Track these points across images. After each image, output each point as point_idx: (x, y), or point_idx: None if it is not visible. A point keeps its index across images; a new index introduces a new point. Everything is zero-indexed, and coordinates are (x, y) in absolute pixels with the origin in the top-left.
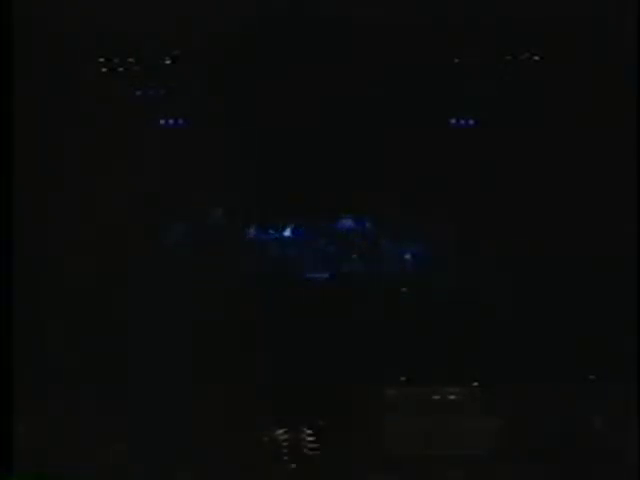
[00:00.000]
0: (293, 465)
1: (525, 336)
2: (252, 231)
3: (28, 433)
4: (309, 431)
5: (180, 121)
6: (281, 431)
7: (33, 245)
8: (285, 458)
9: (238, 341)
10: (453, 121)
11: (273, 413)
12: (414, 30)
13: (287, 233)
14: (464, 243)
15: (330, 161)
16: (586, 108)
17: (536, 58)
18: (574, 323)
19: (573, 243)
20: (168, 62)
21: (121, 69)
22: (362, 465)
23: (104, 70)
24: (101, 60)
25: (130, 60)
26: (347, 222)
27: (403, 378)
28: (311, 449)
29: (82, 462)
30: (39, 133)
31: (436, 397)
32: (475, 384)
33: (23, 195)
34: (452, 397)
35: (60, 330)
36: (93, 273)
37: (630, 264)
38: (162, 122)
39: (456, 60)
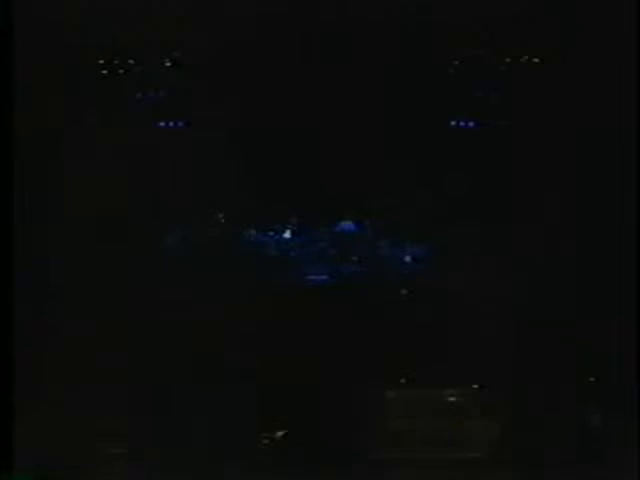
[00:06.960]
0: (292, 465)
1: (525, 336)
2: (252, 233)
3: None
4: (308, 432)
5: (180, 123)
6: (281, 432)
7: (32, 252)
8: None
9: (238, 342)
10: (453, 123)
11: (272, 414)
12: (414, 31)
13: (287, 235)
14: (464, 245)
15: (330, 162)
16: (586, 109)
17: (535, 60)
18: (574, 323)
19: (573, 243)
20: (168, 64)
21: (121, 71)
22: (361, 466)
23: (104, 72)
24: (101, 62)
25: (130, 62)
26: (347, 224)
27: (403, 380)
28: (309, 449)
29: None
30: (38, 134)
31: (436, 399)
32: (475, 386)
33: (22, 198)
34: (452, 399)
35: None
36: (92, 276)
37: (630, 263)
38: (162, 124)
39: (456, 62)
